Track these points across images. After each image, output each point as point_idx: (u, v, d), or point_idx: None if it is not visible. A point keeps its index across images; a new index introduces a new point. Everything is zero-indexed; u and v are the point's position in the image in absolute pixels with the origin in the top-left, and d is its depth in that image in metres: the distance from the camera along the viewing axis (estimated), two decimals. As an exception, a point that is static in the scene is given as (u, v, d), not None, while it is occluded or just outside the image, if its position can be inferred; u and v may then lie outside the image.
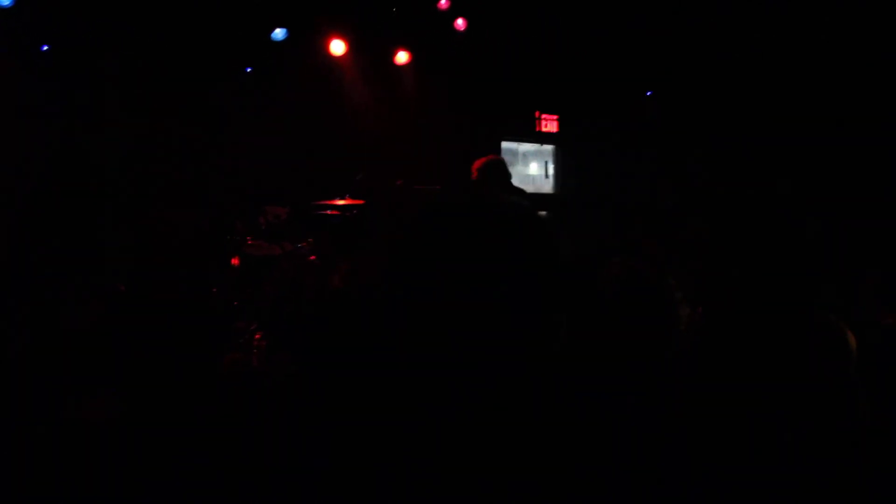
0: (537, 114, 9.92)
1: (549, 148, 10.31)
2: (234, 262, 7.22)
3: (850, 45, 7.71)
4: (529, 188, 10.14)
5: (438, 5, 8.46)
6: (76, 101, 7.60)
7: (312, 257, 7.16)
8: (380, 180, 7.28)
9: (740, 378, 3.01)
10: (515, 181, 9.88)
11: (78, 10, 7.44)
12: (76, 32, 7.52)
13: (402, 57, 8.79)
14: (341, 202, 7.27)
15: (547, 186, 10.32)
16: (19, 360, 4.89)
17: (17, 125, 7.33)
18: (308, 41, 8.37)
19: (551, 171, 10.33)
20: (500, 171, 6.42)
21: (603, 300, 3.78)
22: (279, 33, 8.14)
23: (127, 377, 4.70)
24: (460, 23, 8.58)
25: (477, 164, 6.45)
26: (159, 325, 5.77)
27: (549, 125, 9.98)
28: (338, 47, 8.41)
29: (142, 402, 4.42)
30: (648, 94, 9.35)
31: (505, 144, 10.03)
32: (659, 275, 3.65)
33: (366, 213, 7.22)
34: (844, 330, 2.95)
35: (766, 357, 3.01)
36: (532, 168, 10.37)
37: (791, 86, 8.30)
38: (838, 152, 7.86)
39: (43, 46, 7.55)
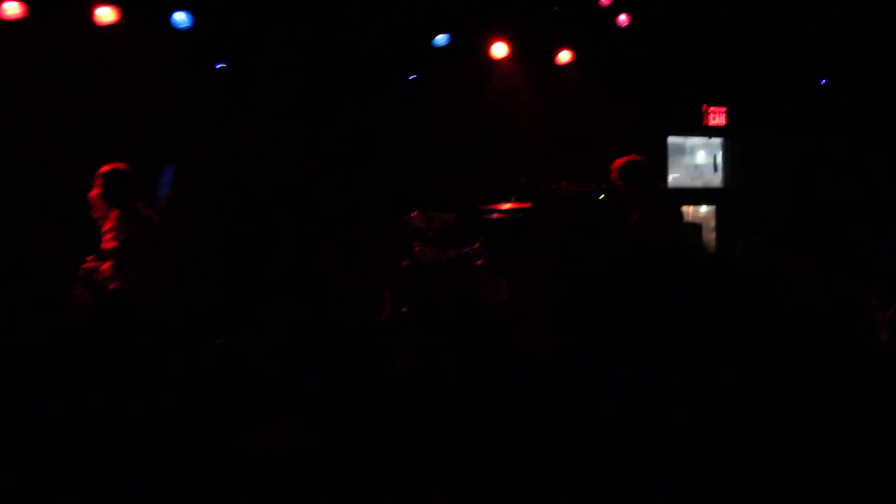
0: (705, 107, 9.88)
1: (717, 141, 10.29)
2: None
3: None
4: (698, 182, 10.31)
5: (600, 2, 8.53)
6: (248, 111, 8.10)
7: (479, 262, 7.40)
8: (544, 182, 7.34)
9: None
10: (682, 174, 10.10)
11: (249, 28, 7.90)
12: (248, 49, 8.00)
13: (564, 56, 8.93)
14: (506, 206, 7.41)
15: (716, 180, 10.34)
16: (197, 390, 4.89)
17: (197, 134, 7.92)
18: (469, 45, 8.59)
19: (720, 163, 10.29)
20: (641, 172, 6.62)
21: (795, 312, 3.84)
22: (441, 39, 8.37)
23: (309, 402, 4.72)
24: (623, 18, 8.63)
25: (616, 164, 6.68)
26: (337, 344, 6.06)
27: (718, 118, 9.92)
28: (500, 50, 8.61)
29: (326, 427, 4.33)
30: (823, 82, 9.07)
31: (672, 139, 10.07)
32: (863, 293, 3.58)
33: (528, 216, 7.34)
34: None
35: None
36: (699, 160, 10.41)
37: None
38: None
39: (218, 64, 8.06)
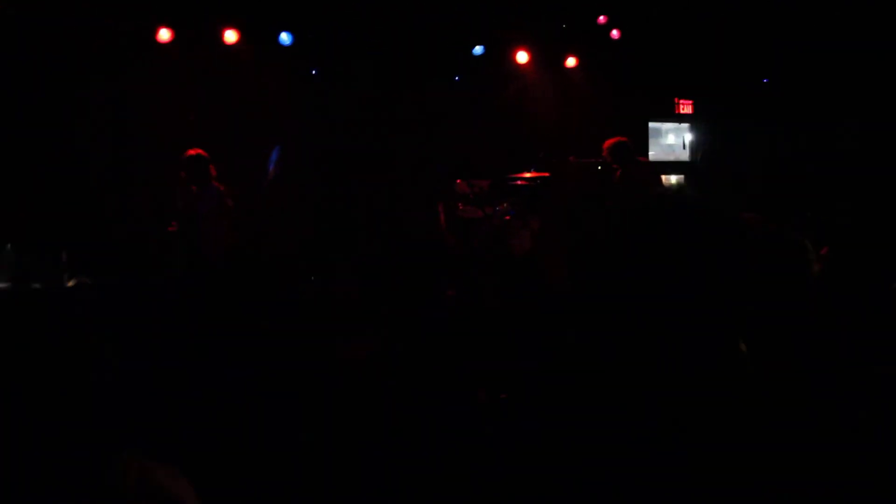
0: (676, 99, 11.70)
1: (685, 125, 12.01)
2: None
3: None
4: (671, 157, 11.97)
5: (598, 20, 10.46)
6: (337, 107, 9.87)
7: (508, 217, 8.57)
8: (556, 156, 8.64)
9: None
10: (658, 151, 12.07)
11: (337, 42, 9.73)
12: (337, 57, 9.83)
13: (570, 62, 10.80)
14: (528, 175, 8.70)
15: (683, 156, 12.02)
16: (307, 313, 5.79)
17: (297, 126, 9.67)
18: (499, 54, 10.45)
19: (687, 143, 11.99)
20: (625, 149, 7.79)
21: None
22: (478, 49, 10.29)
23: (382, 320, 5.59)
24: (614, 33, 10.56)
25: (607, 143, 7.85)
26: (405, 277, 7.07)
27: (686, 108, 11.75)
28: (522, 57, 10.52)
29: (394, 340, 5.00)
30: (765, 80, 11.16)
31: (651, 124, 11.81)
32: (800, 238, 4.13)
33: (545, 182, 8.44)
34: None
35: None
36: (671, 140, 12.07)
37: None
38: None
39: (313, 70, 10.07)
